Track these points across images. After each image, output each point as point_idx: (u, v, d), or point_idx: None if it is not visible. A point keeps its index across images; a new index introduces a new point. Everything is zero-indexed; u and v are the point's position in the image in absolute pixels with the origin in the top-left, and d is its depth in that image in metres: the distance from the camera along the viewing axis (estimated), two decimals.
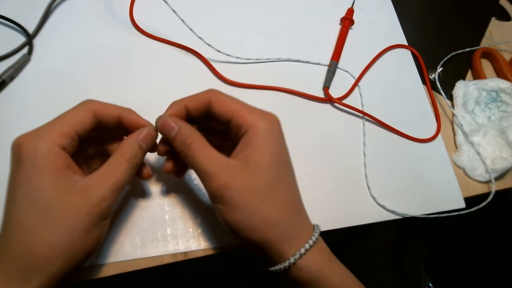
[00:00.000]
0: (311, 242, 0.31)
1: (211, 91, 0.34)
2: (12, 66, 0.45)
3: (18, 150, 0.28)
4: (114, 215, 0.39)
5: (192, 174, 0.42)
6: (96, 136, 0.34)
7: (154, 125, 0.33)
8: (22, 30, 0.47)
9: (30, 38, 0.47)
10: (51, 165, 0.28)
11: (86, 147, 0.35)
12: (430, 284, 0.95)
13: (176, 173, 0.37)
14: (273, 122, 0.33)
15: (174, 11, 0.44)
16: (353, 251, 1.00)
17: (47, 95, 0.45)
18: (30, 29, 0.48)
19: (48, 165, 0.28)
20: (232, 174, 0.30)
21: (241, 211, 0.30)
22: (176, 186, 0.41)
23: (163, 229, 0.40)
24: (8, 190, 0.29)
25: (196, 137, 0.31)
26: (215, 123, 0.35)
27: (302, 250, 0.30)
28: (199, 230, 0.40)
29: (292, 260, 0.30)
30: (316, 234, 0.32)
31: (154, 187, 0.41)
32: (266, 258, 0.32)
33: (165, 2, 0.44)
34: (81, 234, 0.28)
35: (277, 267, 0.31)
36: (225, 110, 0.32)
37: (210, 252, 0.39)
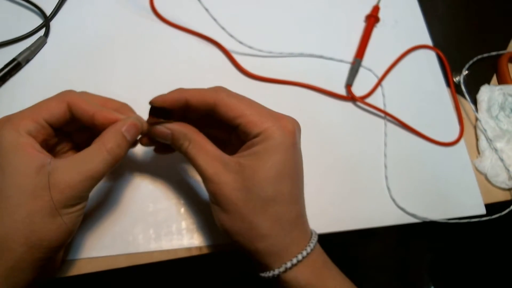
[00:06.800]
0: (299, 257, 0.30)
1: (217, 93, 0.30)
2: (28, 48, 0.44)
3: None
4: (127, 205, 0.38)
5: None
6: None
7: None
8: (40, 11, 0.46)
9: (47, 20, 0.46)
10: (17, 149, 0.27)
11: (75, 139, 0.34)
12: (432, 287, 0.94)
13: (158, 151, 0.37)
14: (287, 131, 0.30)
15: None
16: (356, 252, 0.99)
17: (63, 78, 0.44)
18: (48, 10, 0.46)
19: (13, 149, 0.27)
20: (227, 177, 0.29)
21: (230, 215, 0.30)
22: (192, 179, 0.40)
23: (178, 223, 0.39)
24: None
25: (192, 139, 0.30)
26: (220, 125, 0.32)
27: (289, 265, 0.29)
28: (215, 225, 0.39)
29: (276, 272, 0.30)
30: (309, 249, 0.30)
31: (170, 179, 0.40)
32: (256, 264, 0.32)
33: None
34: (44, 219, 0.27)
35: (265, 274, 0.31)
36: (233, 115, 0.30)
37: (226, 248, 0.38)
